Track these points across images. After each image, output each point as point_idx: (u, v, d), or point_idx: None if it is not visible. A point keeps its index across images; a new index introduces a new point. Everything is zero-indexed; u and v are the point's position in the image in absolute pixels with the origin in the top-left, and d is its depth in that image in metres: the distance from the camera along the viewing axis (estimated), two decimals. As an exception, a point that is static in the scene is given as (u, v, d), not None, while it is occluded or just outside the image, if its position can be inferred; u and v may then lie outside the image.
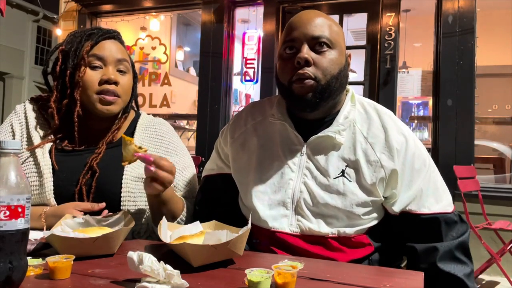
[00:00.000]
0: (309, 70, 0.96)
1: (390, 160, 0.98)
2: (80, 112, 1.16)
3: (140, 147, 0.96)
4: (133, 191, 1.14)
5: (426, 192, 0.98)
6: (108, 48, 1.18)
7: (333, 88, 0.99)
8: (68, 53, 1.17)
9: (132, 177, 1.14)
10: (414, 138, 1.03)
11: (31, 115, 1.22)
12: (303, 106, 1.00)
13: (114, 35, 1.22)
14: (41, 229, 1.02)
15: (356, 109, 1.05)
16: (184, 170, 1.25)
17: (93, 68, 1.16)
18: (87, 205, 1.08)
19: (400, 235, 1.02)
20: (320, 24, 0.99)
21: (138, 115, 1.31)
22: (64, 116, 1.19)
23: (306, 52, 0.97)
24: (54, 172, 1.13)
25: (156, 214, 1.09)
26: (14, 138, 1.19)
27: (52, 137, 1.19)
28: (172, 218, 1.10)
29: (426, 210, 0.97)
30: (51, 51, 1.26)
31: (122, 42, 1.25)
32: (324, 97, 0.98)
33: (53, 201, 1.10)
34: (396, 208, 0.99)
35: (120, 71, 1.19)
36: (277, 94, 1.15)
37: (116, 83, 1.16)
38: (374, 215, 1.00)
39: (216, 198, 1.16)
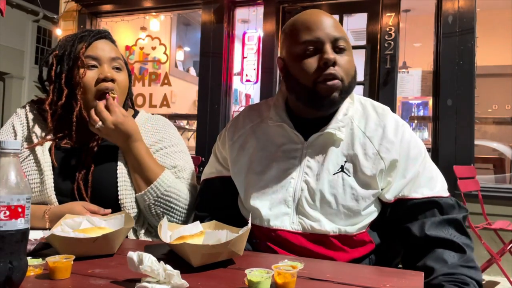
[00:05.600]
0: (336, 70, 0.98)
1: (389, 152, 0.99)
2: (83, 112, 1.18)
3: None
4: (129, 181, 1.16)
5: (419, 180, 0.99)
6: (101, 48, 1.20)
7: (352, 87, 1.02)
8: (62, 57, 1.20)
9: (127, 168, 1.17)
10: (410, 130, 1.04)
11: (32, 117, 1.25)
12: (327, 105, 1.00)
13: (105, 35, 1.25)
14: (42, 229, 1.02)
15: (354, 106, 1.07)
16: (179, 152, 1.27)
17: (89, 68, 1.18)
18: (95, 207, 1.09)
19: (397, 223, 1.01)
20: (337, 25, 1.01)
21: (136, 113, 1.34)
22: (61, 117, 1.21)
23: (332, 52, 0.98)
24: (53, 170, 1.15)
25: (131, 170, 1.16)
26: (15, 139, 1.21)
27: (52, 136, 1.21)
28: (145, 181, 1.14)
29: (418, 195, 0.97)
30: (44, 57, 1.28)
31: (113, 41, 1.27)
32: (345, 97, 1.02)
33: (53, 198, 1.12)
34: (389, 195, 0.99)
35: (115, 68, 1.21)
36: (275, 95, 1.15)
37: (113, 80, 1.18)
38: (373, 208, 1.01)
39: (216, 201, 1.17)
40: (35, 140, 1.20)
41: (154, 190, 1.14)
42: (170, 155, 1.25)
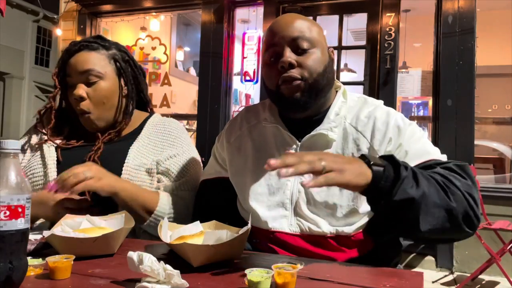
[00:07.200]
0: (294, 72, 0.98)
1: (382, 143, 0.98)
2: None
3: None
4: (133, 179, 1.17)
5: (414, 152, 0.96)
6: (74, 65, 1.19)
7: (320, 85, 1.00)
8: (57, 74, 1.25)
9: (133, 165, 1.18)
10: (402, 116, 1.02)
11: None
12: (294, 107, 1.01)
13: (80, 47, 1.20)
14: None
15: (347, 105, 1.06)
16: (190, 161, 1.26)
17: (69, 87, 1.22)
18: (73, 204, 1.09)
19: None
20: (298, 26, 1.00)
21: (150, 115, 1.35)
22: (67, 119, 1.28)
23: (288, 55, 0.98)
24: (59, 166, 1.19)
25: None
26: (30, 142, 1.28)
27: (60, 137, 1.26)
28: (146, 212, 1.12)
29: (413, 163, 0.92)
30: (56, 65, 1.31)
31: (94, 48, 1.22)
32: (312, 96, 1.00)
33: None
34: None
35: (88, 83, 1.19)
36: None
37: (82, 99, 1.18)
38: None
39: (215, 201, 1.17)
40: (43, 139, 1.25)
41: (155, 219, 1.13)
42: (180, 164, 1.24)
